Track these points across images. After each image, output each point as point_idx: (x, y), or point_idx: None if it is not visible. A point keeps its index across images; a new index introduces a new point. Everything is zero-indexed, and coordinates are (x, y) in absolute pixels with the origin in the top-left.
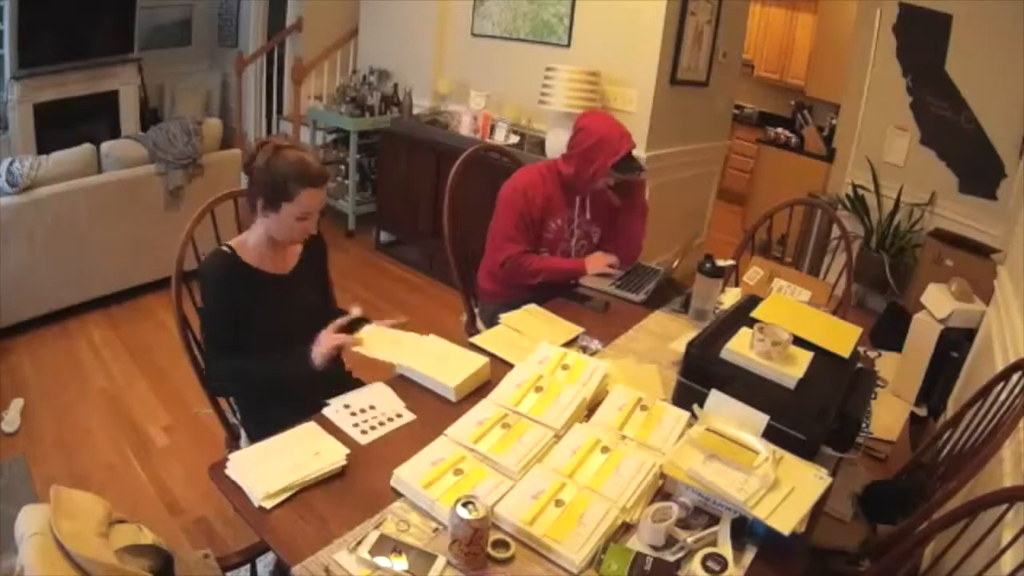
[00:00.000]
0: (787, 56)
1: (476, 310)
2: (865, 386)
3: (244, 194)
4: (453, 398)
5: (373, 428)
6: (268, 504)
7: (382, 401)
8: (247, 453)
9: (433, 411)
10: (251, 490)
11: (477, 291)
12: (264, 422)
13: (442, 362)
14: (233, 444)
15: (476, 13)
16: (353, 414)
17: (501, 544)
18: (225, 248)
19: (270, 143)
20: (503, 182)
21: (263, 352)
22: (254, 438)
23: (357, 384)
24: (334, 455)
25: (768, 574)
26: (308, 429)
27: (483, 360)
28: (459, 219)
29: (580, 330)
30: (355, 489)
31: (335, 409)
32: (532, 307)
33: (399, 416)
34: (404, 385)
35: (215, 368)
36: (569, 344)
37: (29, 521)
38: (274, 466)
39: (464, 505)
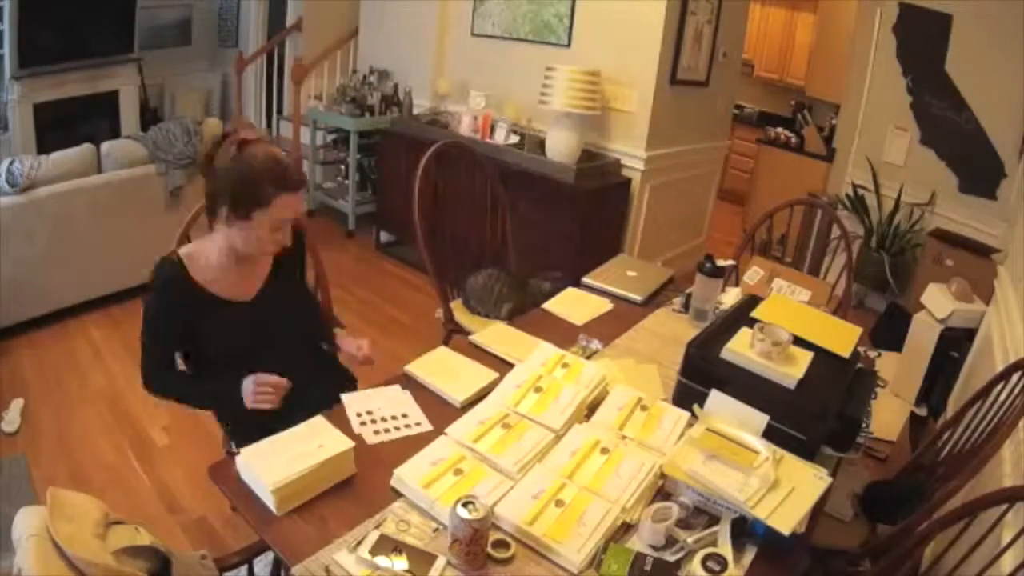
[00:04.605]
0: (787, 56)
1: (451, 304)
2: (865, 386)
3: None
4: (459, 407)
5: (387, 431)
6: (279, 493)
7: (401, 408)
8: (256, 448)
9: (434, 411)
10: (261, 485)
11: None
12: (251, 428)
13: (451, 375)
14: (232, 444)
15: (476, 13)
16: (373, 420)
17: (501, 544)
18: (174, 258)
19: (233, 135)
20: (481, 177)
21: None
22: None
23: (349, 378)
24: (339, 447)
25: (768, 574)
26: (315, 424)
27: (492, 375)
28: (436, 213)
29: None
30: (355, 489)
31: (355, 411)
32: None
33: (417, 424)
34: (404, 384)
35: (150, 380)
36: (568, 343)
37: (26, 523)
38: (281, 458)
39: (464, 505)
